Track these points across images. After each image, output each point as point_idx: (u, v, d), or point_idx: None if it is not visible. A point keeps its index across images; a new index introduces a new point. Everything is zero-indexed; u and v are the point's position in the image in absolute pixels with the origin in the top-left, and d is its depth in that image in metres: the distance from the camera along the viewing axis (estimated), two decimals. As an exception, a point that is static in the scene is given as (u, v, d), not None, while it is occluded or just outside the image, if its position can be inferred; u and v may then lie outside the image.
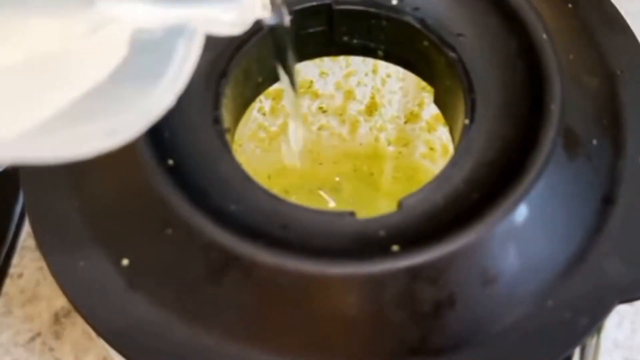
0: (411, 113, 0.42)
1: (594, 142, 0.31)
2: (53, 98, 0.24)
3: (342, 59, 0.41)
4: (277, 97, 0.42)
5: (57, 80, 0.25)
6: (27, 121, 0.24)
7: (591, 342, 0.32)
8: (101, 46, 0.25)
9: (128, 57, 0.25)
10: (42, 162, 0.23)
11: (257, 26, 0.29)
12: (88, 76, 0.25)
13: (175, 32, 0.26)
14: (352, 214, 0.30)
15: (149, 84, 0.25)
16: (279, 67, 0.32)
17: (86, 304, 0.30)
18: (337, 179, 0.46)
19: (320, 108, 0.43)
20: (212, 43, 0.28)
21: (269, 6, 0.29)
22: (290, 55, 0.31)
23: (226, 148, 0.31)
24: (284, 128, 0.43)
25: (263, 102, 0.41)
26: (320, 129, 0.44)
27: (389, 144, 0.44)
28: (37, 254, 0.46)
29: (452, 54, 0.32)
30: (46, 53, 0.25)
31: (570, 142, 0.30)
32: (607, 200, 0.31)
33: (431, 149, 0.43)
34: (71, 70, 0.25)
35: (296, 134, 0.37)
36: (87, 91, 0.25)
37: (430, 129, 0.43)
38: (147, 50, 0.25)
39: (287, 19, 0.30)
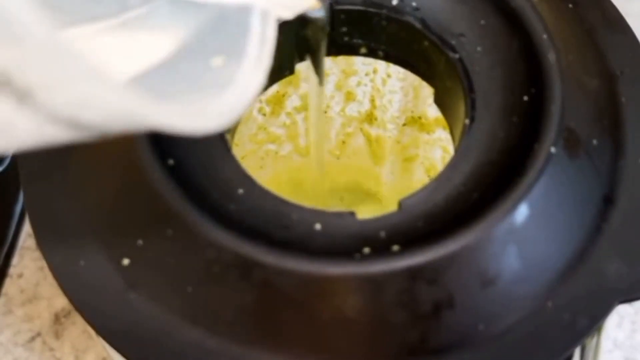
0: (411, 113, 0.42)
1: (594, 142, 0.31)
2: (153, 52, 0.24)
3: (342, 59, 0.41)
4: (277, 103, 0.42)
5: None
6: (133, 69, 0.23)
7: (591, 342, 0.32)
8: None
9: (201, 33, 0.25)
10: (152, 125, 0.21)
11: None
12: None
13: (245, 11, 0.25)
14: (352, 214, 0.30)
15: (233, 63, 0.24)
16: (308, 59, 0.32)
17: (86, 304, 0.30)
18: (337, 179, 0.46)
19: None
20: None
21: None
22: (323, 49, 0.31)
23: (226, 147, 0.31)
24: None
25: (263, 102, 0.41)
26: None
27: (390, 143, 0.44)
28: (37, 254, 0.46)
29: (452, 54, 0.32)
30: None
31: (571, 142, 0.30)
32: (608, 200, 0.31)
33: (431, 149, 0.43)
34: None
35: (317, 126, 0.37)
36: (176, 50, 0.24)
37: (431, 129, 0.43)
38: (221, 28, 0.25)
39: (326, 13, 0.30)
